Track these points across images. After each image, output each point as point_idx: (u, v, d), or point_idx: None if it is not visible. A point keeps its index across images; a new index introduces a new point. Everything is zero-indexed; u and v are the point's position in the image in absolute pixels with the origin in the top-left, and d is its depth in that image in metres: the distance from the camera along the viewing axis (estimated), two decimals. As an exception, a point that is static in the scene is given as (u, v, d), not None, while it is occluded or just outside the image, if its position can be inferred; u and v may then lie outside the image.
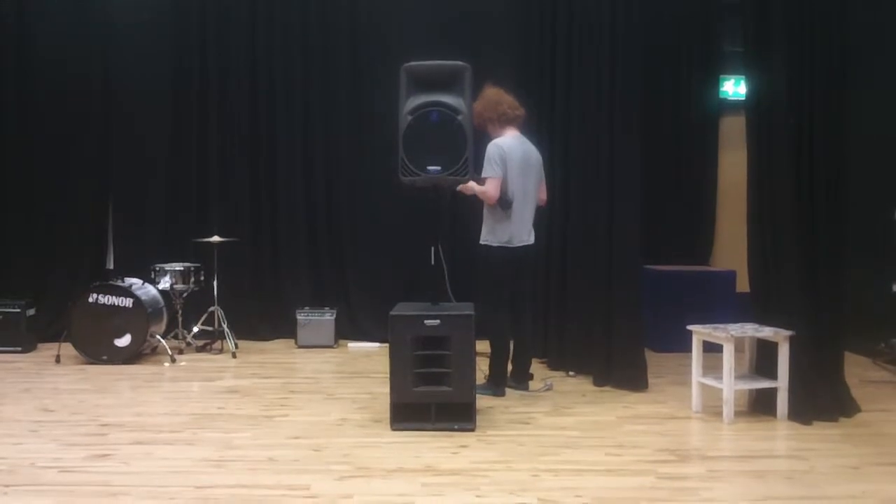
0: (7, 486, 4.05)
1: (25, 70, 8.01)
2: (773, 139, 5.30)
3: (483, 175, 5.61)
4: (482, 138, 5.72)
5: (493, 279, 5.71)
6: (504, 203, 5.63)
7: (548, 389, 5.97)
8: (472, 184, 5.56)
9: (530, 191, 5.79)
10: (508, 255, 5.70)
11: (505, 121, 5.78)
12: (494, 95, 5.78)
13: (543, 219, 6.17)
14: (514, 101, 5.82)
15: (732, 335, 5.14)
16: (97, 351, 6.85)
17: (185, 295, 7.32)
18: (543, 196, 6.00)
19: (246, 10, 8.11)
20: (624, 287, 6.03)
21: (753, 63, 5.44)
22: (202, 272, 7.37)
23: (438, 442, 4.72)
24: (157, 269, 7.24)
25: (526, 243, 5.77)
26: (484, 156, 5.62)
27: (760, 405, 5.36)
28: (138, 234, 8.18)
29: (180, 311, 7.35)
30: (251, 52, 8.14)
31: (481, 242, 5.77)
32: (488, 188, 5.60)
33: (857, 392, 5.49)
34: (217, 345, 7.41)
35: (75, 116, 8.03)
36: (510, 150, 5.67)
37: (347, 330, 8.07)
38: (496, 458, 4.46)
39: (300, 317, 7.75)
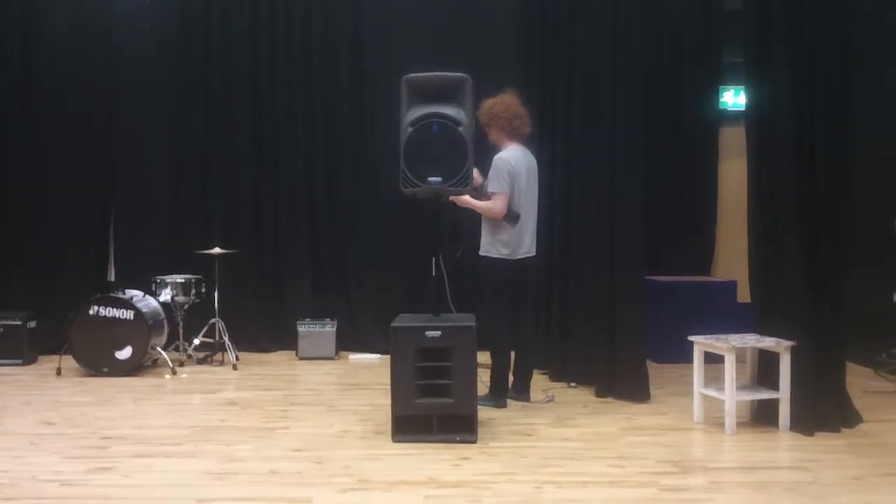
0: (8, 499, 4.04)
1: (29, 81, 8.02)
2: (773, 149, 5.30)
3: (490, 189, 5.61)
4: (483, 149, 5.71)
5: (494, 290, 5.71)
6: (512, 218, 5.62)
7: (549, 401, 5.96)
8: (472, 200, 5.56)
9: (533, 202, 5.80)
10: (509, 267, 5.69)
11: (515, 134, 5.77)
12: (514, 106, 5.75)
13: (545, 229, 6.17)
14: (528, 117, 5.82)
15: (734, 346, 5.14)
16: (98, 363, 6.84)
17: (186, 307, 7.31)
18: None
19: (248, 22, 8.12)
20: (626, 298, 6.03)
21: (754, 73, 5.44)
22: (203, 284, 7.37)
23: (440, 454, 4.71)
24: (158, 281, 7.23)
25: (527, 255, 5.77)
26: (485, 165, 5.62)
27: (762, 416, 5.35)
28: (139, 246, 8.18)
29: (181, 324, 7.34)
30: (254, 65, 8.16)
31: (481, 253, 5.75)
32: (495, 205, 5.59)
33: (859, 402, 5.49)
34: (218, 357, 7.40)
35: (77, 129, 8.03)
36: (517, 164, 5.67)
37: (348, 341, 8.05)
38: (499, 470, 4.45)
39: (301, 328, 7.73)
